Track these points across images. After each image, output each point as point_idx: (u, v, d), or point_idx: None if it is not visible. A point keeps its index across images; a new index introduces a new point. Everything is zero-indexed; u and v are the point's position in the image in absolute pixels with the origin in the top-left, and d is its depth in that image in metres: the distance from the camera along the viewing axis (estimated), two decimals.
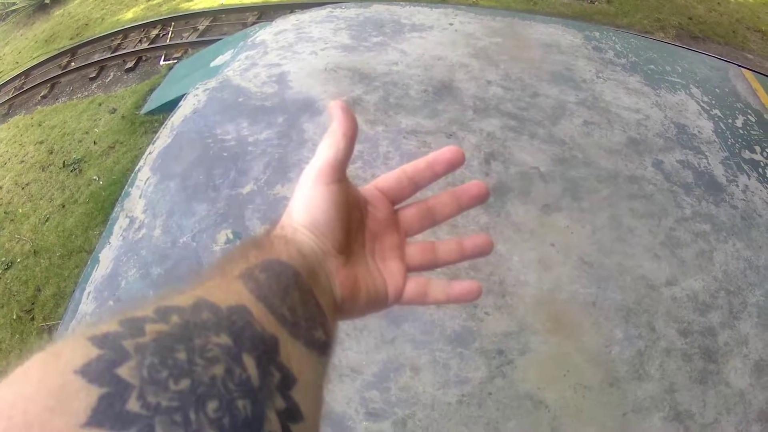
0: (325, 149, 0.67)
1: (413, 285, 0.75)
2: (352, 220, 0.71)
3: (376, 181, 0.76)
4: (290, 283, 0.58)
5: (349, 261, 0.70)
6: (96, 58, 10.75)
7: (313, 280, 0.62)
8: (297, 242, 0.65)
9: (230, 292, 0.52)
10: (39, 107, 10.31)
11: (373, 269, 0.74)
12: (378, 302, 0.73)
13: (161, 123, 4.48)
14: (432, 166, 0.75)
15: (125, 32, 11.21)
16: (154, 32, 10.77)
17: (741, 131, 4.14)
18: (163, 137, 3.87)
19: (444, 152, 0.75)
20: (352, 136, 0.68)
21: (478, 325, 2.81)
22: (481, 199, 0.77)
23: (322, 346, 0.58)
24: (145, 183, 3.56)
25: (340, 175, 0.67)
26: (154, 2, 12.85)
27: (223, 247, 3.13)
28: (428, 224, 0.78)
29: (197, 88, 4.23)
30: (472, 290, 0.75)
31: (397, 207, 0.79)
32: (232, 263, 0.58)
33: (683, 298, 2.96)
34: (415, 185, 0.77)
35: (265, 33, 5.11)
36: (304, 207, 0.67)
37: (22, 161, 8.69)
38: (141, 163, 3.77)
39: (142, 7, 12.88)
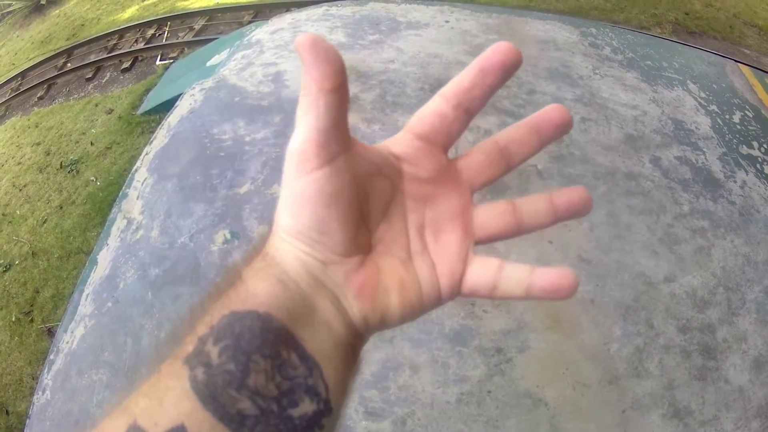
0: (300, 119, 0.48)
1: (479, 270, 0.56)
2: (372, 197, 0.55)
3: (412, 124, 0.56)
4: (256, 348, 0.44)
5: (370, 258, 0.54)
6: (92, 58, 10.76)
7: (301, 317, 0.48)
8: (278, 265, 0.50)
9: (168, 402, 0.43)
10: (36, 108, 10.31)
11: (417, 255, 0.57)
12: (425, 302, 0.56)
13: (158, 123, 4.48)
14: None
15: (121, 32, 11.21)
16: (150, 32, 10.78)
17: (738, 127, 4.14)
18: (160, 137, 3.86)
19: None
20: (334, 87, 0.46)
21: (476, 324, 2.80)
22: (564, 129, 0.57)
23: (314, 417, 0.46)
24: (142, 184, 3.55)
25: (330, 150, 0.48)
26: (150, 2, 12.84)
27: (221, 247, 3.12)
28: (499, 172, 0.58)
29: (193, 88, 4.22)
30: (564, 283, 0.52)
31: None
32: (193, 325, 0.47)
33: (682, 295, 2.95)
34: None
35: (261, 32, 5.09)
36: (286, 209, 0.50)
37: (19, 163, 8.69)
38: (138, 163, 3.76)
39: (137, 6, 12.87)
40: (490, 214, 0.57)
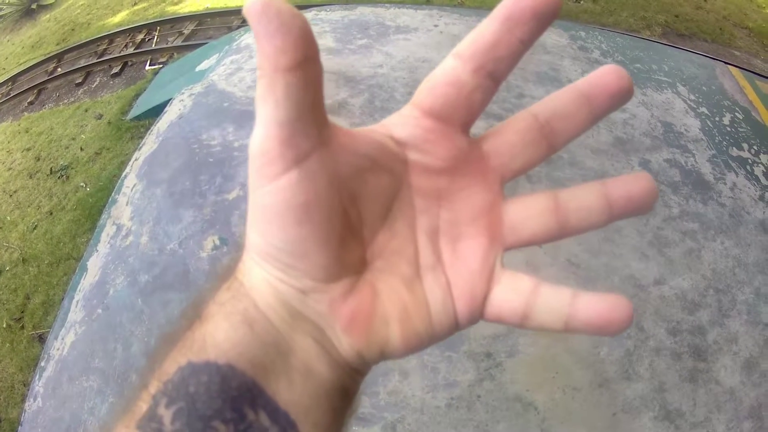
0: (258, 110, 0.37)
1: (507, 291, 0.43)
2: (365, 199, 0.43)
3: (419, 97, 0.43)
4: (216, 411, 0.37)
5: (363, 279, 0.43)
6: (82, 63, 10.71)
7: (272, 364, 0.40)
8: (247, 295, 0.41)
9: None
10: (26, 114, 10.27)
11: (427, 271, 0.44)
12: (436, 331, 0.44)
13: (147, 128, 4.47)
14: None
15: (111, 37, 11.17)
16: (140, 36, 10.73)
17: (728, 129, 4.15)
18: (149, 143, 3.85)
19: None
20: (294, 63, 0.35)
21: (466, 329, 2.75)
22: (623, 97, 0.42)
23: None
24: (131, 190, 3.54)
25: (298, 148, 0.37)
26: (140, 6, 12.83)
27: (210, 253, 3.11)
28: (539, 156, 0.44)
29: (182, 93, 4.21)
30: (615, 317, 0.40)
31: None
32: (150, 374, 0.39)
33: (672, 298, 2.96)
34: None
35: (250, 37, 5.03)
36: (252, 224, 0.40)
37: (9, 168, 8.66)
38: (127, 169, 3.75)
39: (128, 11, 12.85)
40: (525, 213, 0.44)
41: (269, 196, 0.38)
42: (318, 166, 0.38)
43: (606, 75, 0.41)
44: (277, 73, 0.35)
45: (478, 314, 0.44)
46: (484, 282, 0.44)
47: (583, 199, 0.42)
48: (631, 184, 0.42)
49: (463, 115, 0.42)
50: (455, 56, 0.41)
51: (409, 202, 0.45)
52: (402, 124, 0.43)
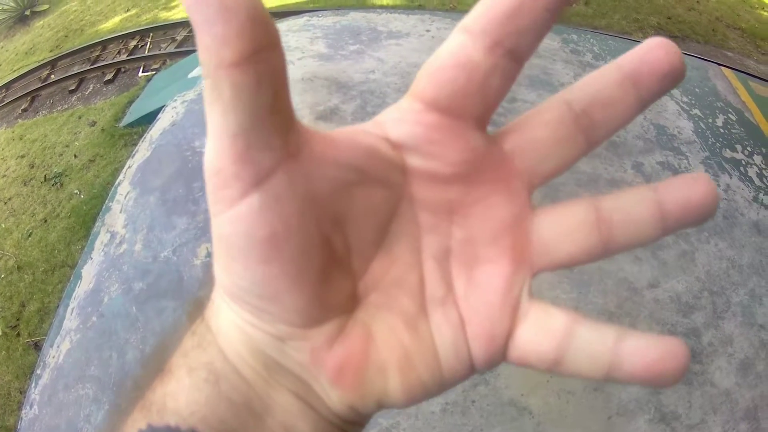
0: (208, 120, 0.29)
1: (536, 331, 0.35)
2: (354, 219, 0.34)
3: (420, 85, 0.34)
4: None
5: (354, 319, 0.35)
6: (75, 70, 10.69)
7: (245, 426, 0.34)
8: (214, 343, 0.34)
9: None
10: (20, 121, 10.25)
11: (435, 305, 0.36)
12: (446, 378, 0.36)
13: (140, 135, 4.47)
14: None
15: (104, 44, 11.16)
16: (133, 43, 10.72)
17: (722, 130, 4.15)
18: (143, 150, 3.85)
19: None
20: (243, 56, 0.26)
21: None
22: (676, 77, 0.32)
23: None
24: (125, 197, 3.54)
25: (256, 165, 0.29)
26: (133, 12, 12.82)
27: (203, 260, 3.12)
28: (575, 154, 0.35)
29: (175, 100, 4.22)
30: (669, 367, 0.31)
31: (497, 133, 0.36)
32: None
33: (666, 300, 2.96)
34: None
35: None
36: (216, 260, 0.32)
37: (3, 176, 8.64)
38: (121, 177, 3.75)
39: (120, 17, 12.84)
40: (560, 228, 0.35)
41: (228, 226, 0.29)
42: (285, 187, 0.29)
43: (653, 50, 0.31)
44: (221, 71, 0.26)
45: (499, 357, 0.35)
46: (507, 318, 0.35)
47: (630, 209, 0.33)
48: (688, 188, 0.33)
49: (478, 106, 0.32)
50: (463, 31, 0.31)
51: (411, 219, 0.36)
52: (399, 121, 0.34)
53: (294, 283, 0.31)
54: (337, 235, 0.33)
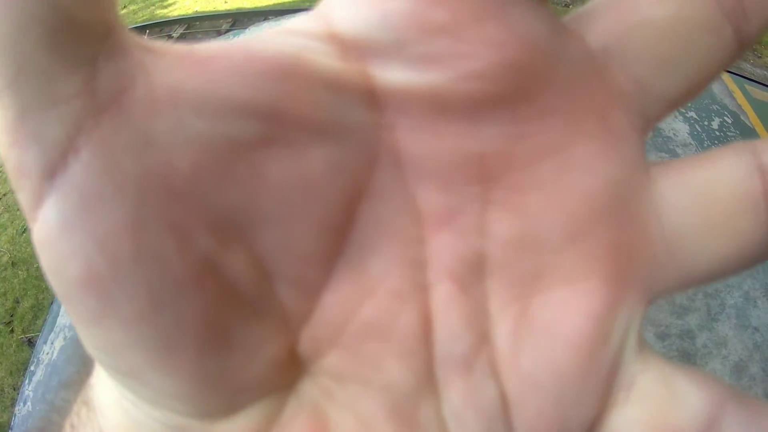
0: None
1: (647, 415, 0.18)
2: (265, 225, 0.17)
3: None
4: None
5: (297, 399, 0.19)
6: None
7: None
8: (94, 425, 0.22)
9: None
10: None
11: (450, 373, 0.19)
12: None
13: None
14: None
15: None
16: None
17: (717, 133, 4.15)
18: None
19: None
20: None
21: None
22: None
23: None
24: None
25: (42, 139, 0.14)
26: (130, 9, 12.83)
27: None
28: (721, 58, 0.18)
29: None
30: None
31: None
32: None
33: (660, 302, 2.94)
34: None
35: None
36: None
37: None
38: None
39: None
40: (705, 208, 0.19)
41: (41, 260, 0.16)
42: (96, 175, 0.15)
43: None
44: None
45: None
46: (595, 395, 0.18)
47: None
48: None
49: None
50: None
51: (399, 201, 0.19)
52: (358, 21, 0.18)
53: (156, 355, 0.16)
54: (235, 253, 0.17)
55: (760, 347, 2.94)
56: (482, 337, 0.19)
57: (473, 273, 0.19)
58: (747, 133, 4.32)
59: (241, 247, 0.17)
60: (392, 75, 0.17)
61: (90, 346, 0.17)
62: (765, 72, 7.22)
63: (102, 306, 0.16)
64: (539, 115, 0.18)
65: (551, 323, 0.18)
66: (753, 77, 5.66)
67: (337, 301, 0.19)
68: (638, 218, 0.19)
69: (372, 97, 0.18)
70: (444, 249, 0.19)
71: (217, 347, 0.17)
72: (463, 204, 0.18)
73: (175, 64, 0.16)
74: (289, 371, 0.19)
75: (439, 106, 0.18)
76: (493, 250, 0.19)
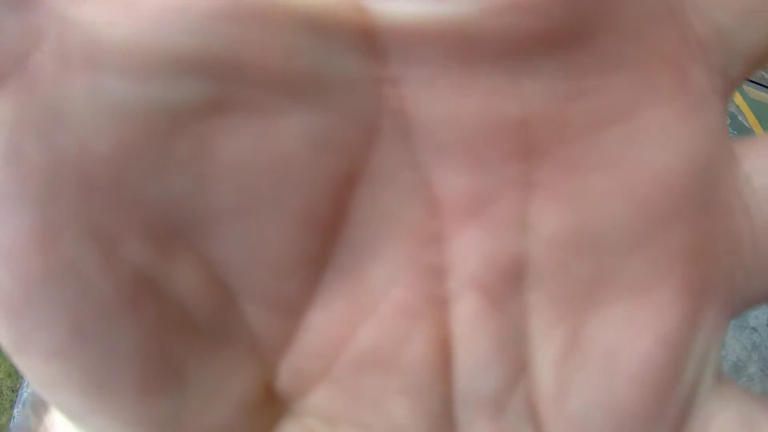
0: None
1: None
2: (218, 218, 0.12)
3: None
4: None
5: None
6: None
7: None
8: None
9: None
10: None
11: (474, 417, 0.13)
12: None
13: None
14: None
15: None
16: None
17: None
18: None
19: None
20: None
21: None
22: None
23: None
24: None
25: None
26: None
27: None
28: None
29: None
30: None
31: None
32: None
33: None
34: None
35: None
36: None
37: None
38: None
39: None
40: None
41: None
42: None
43: None
44: None
45: None
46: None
47: None
48: None
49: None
50: None
51: (408, 183, 0.13)
52: None
53: (88, 395, 0.12)
54: (181, 265, 0.12)
55: (758, 347, 2.93)
56: (518, 369, 0.14)
57: (508, 282, 0.13)
58: (744, 133, 4.30)
59: (188, 257, 0.12)
60: (397, 7, 0.12)
61: (32, 381, 0.13)
62: (763, 72, 7.19)
63: (18, 336, 0.12)
64: (600, 66, 0.13)
65: (610, 350, 0.13)
66: (751, 77, 5.65)
67: (325, 322, 0.13)
68: (724, 208, 0.14)
69: (369, 40, 0.12)
70: (469, 250, 0.13)
71: (165, 386, 0.13)
72: (496, 189, 0.13)
73: (98, 9, 0.11)
74: (266, 412, 0.14)
75: (463, 52, 0.12)
76: (535, 251, 0.13)
